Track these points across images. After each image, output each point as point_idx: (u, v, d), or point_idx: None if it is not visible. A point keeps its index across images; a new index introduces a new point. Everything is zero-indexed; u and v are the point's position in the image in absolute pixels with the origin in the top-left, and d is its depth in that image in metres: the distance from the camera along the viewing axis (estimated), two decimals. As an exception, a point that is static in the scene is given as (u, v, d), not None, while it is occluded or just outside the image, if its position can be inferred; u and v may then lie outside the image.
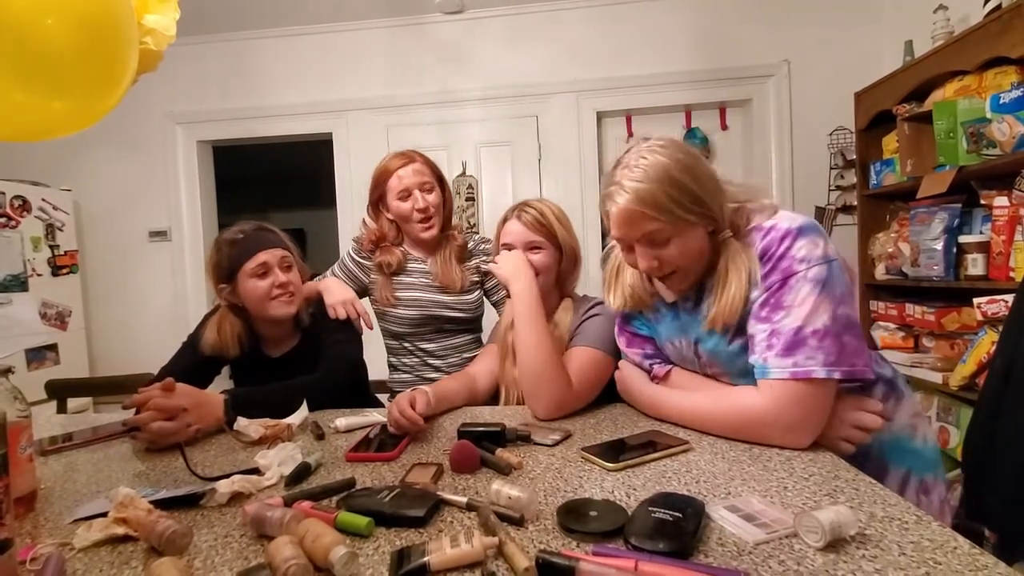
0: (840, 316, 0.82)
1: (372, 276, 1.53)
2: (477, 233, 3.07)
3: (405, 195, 1.47)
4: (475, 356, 1.54)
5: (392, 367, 1.59)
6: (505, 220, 1.27)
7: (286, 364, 1.33)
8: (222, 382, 1.33)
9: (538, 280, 1.22)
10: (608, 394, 1.16)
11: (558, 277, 1.27)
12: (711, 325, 0.91)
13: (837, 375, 0.81)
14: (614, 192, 0.87)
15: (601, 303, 1.24)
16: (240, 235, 1.28)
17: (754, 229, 0.90)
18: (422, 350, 1.52)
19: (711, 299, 0.91)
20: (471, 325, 1.58)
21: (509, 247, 1.24)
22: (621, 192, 0.86)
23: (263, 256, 1.25)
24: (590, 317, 1.21)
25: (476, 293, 1.55)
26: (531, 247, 1.23)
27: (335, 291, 1.42)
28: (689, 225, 0.86)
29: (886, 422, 0.90)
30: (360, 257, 1.55)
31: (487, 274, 1.57)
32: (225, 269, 1.27)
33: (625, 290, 1.06)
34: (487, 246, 1.60)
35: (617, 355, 1.17)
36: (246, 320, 1.32)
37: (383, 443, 0.93)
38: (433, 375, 1.51)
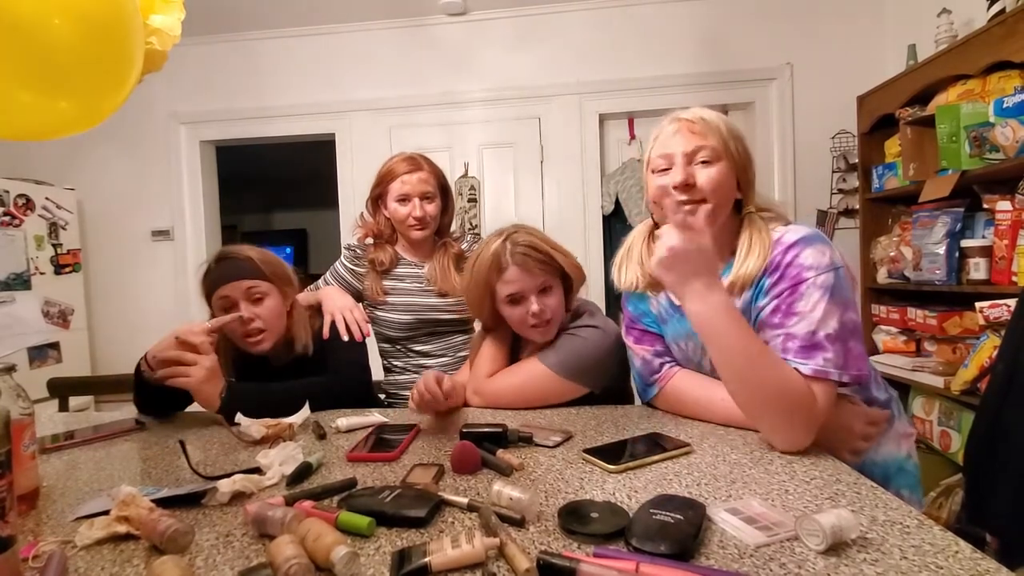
0: (847, 322, 0.84)
1: (365, 283, 1.54)
2: (478, 236, 3.08)
3: (404, 200, 1.47)
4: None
5: (386, 369, 1.59)
6: (500, 269, 1.12)
7: (289, 372, 1.29)
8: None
9: (553, 324, 1.15)
10: (607, 396, 1.16)
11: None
12: (729, 289, 0.91)
13: (845, 379, 0.83)
14: (680, 112, 0.96)
15: (591, 326, 1.16)
16: (213, 264, 1.24)
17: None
18: (416, 352, 1.53)
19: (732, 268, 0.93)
20: (464, 326, 1.59)
21: (516, 297, 1.12)
22: (689, 111, 0.94)
23: (225, 290, 1.20)
24: (573, 332, 1.16)
25: None
26: (541, 290, 1.13)
27: (334, 298, 1.41)
28: (732, 164, 0.93)
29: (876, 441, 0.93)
30: (353, 264, 1.56)
31: None
32: (206, 297, 1.25)
33: (636, 269, 1.05)
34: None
35: (581, 381, 1.13)
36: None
37: (384, 443, 0.93)
38: None
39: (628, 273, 1.07)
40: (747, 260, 0.91)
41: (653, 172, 0.97)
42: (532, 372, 1.15)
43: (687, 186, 0.91)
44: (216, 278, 1.22)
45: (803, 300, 0.85)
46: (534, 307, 1.11)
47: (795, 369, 0.83)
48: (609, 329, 1.17)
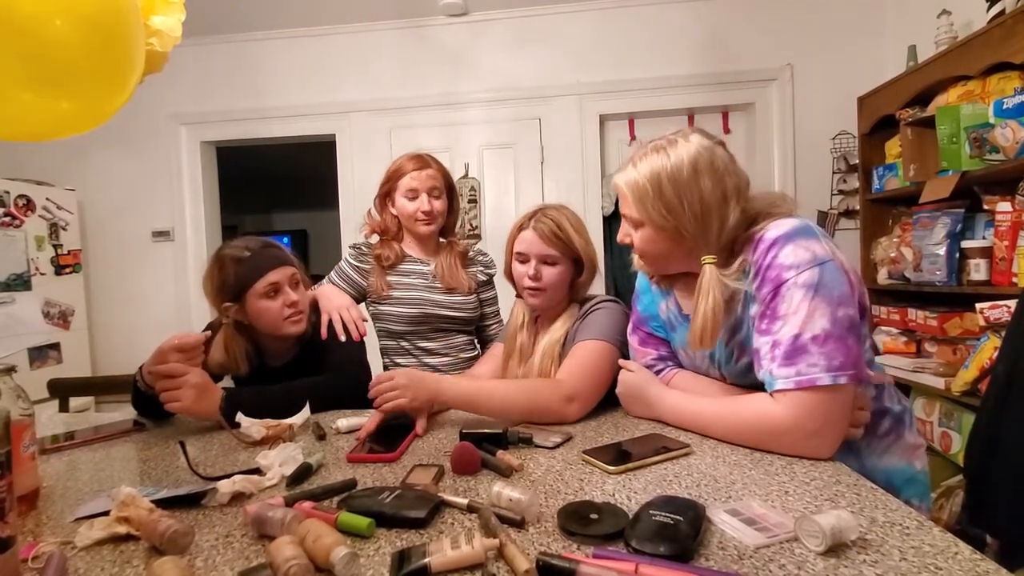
0: (841, 319, 0.80)
1: (370, 279, 1.55)
2: (479, 237, 3.09)
3: (413, 195, 1.51)
4: (472, 354, 1.59)
5: (386, 369, 1.59)
6: (520, 228, 1.24)
7: (288, 373, 1.31)
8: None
9: (546, 295, 1.21)
10: (608, 397, 1.16)
11: (572, 287, 1.25)
12: (693, 347, 0.92)
13: (843, 380, 0.78)
14: (620, 168, 0.97)
15: (607, 300, 1.23)
16: (247, 252, 1.23)
17: (747, 245, 0.89)
18: (420, 348, 1.54)
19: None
20: (468, 326, 1.60)
21: (523, 257, 1.22)
22: (622, 172, 0.95)
23: (274, 276, 1.22)
24: (593, 311, 1.20)
25: (474, 296, 1.59)
26: (545, 260, 1.20)
27: (331, 297, 1.43)
28: (654, 227, 0.92)
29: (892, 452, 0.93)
30: (358, 262, 1.57)
31: (483, 284, 1.63)
32: (232, 288, 1.22)
33: None
34: (484, 257, 1.67)
35: (626, 347, 1.15)
36: (250, 335, 1.30)
37: (385, 444, 0.93)
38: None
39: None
40: (695, 320, 0.89)
41: None
42: (587, 353, 1.12)
43: (628, 245, 0.99)
44: (260, 265, 1.22)
45: (785, 302, 0.81)
46: (531, 270, 1.20)
47: (779, 390, 0.81)
48: (618, 303, 1.26)
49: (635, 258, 1.09)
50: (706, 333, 0.88)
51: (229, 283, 1.22)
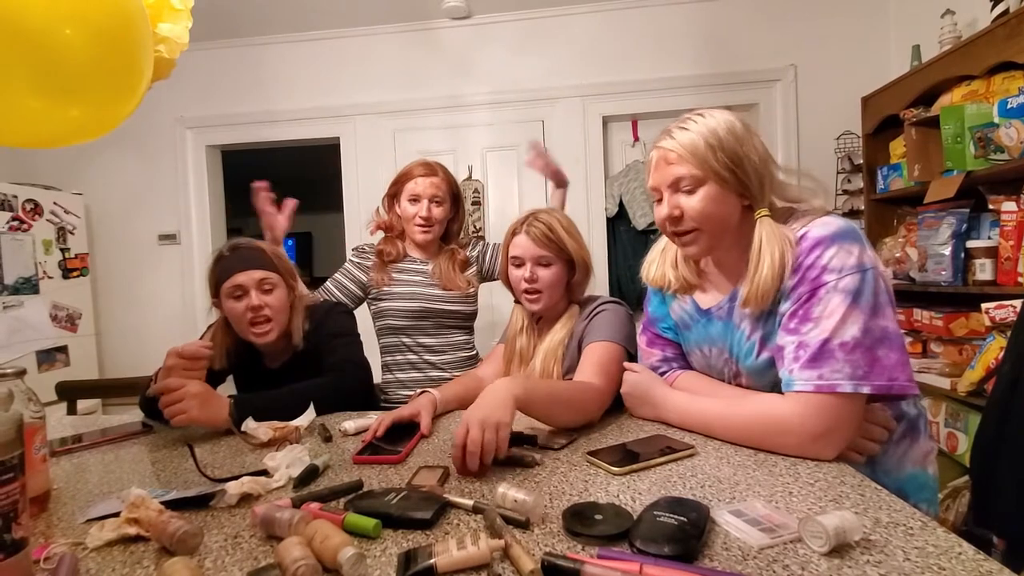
0: (874, 329, 0.78)
1: (371, 275, 1.59)
2: (483, 239, 3.10)
3: (415, 200, 1.56)
4: (471, 354, 1.63)
5: (386, 367, 1.60)
6: (514, 233, 1.26)
7: (285, 375, 1.30)
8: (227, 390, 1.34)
9: (543, 296, 1.23)
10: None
11: (568, 288, 1.27)
12: (744, 305, 0.89)
13: (866, 390, 0.78)
14: (660, 139, 0.93)
15: (610, 302, 1.24)
16: (226, 252, 1.27)
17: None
18: (421, 345, 1.56)
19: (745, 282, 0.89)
20: (467, 323, 1.63)
21: (518, 260, 1.24)
22: (666, 138, 0.91)
23: (240, 278, 1.23)
24: (598, 313, 1.22)
25: (473, 291, 1.63)
26: (540, 262, 1.23)
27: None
28: (720, 181, 0.87)
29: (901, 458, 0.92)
30: (359, 259, 1.62)
31: (479, 257, 1.68)
32: (211, 286, 1.28)
33: (669, 271, 1.04)
34: (475, 251, 1.71)
35: (632, 348, 1.16)
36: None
37: (389, 441, 0.94)
38: (433, 373, 1.54)
39: (656, 270, 1.06)
40: (757, 272, 0.86)
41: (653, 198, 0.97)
42: (603, 353, 1.13)
43: (675, 218, 0.91)
44: (229, 266, 1.25)
45: (820, 305, 0.80)
46: (527, 273, 1.22)
47: (796, 391, 0.81)
48: (621, 304, 1.26)
49: (647, 270, 1.08)
50: (767, 289, 0.85)
51: (211, 280, 1.28)
